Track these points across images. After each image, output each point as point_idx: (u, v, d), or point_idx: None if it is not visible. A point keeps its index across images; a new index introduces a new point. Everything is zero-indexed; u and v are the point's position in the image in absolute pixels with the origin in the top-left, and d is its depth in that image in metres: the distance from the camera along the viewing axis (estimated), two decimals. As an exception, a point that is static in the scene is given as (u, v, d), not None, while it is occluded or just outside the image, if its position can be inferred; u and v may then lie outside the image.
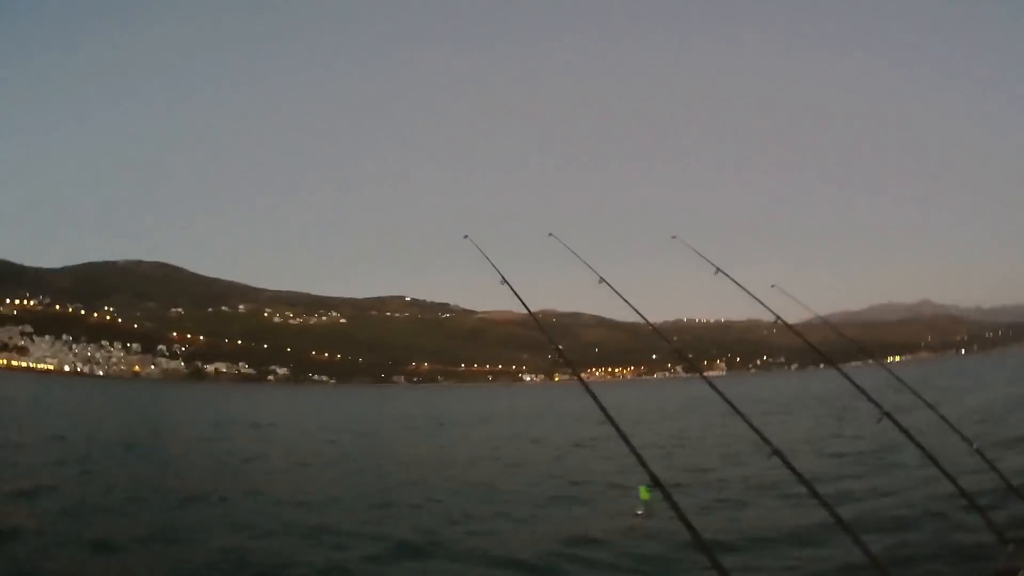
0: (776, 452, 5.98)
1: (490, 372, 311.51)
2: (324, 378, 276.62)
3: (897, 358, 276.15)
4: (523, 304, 7.83)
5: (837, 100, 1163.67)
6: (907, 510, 14.02)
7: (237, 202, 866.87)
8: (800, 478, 5.96)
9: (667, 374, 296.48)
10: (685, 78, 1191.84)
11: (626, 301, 8.17)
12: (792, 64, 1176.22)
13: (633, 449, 5.22)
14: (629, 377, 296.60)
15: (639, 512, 4.63)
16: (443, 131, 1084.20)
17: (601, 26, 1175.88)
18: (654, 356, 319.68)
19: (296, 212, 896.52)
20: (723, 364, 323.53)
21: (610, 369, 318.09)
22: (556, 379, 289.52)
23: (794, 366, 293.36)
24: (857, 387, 8.19)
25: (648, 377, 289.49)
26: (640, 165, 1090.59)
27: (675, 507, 4.65)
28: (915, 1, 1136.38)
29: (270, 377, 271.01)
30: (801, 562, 11.15)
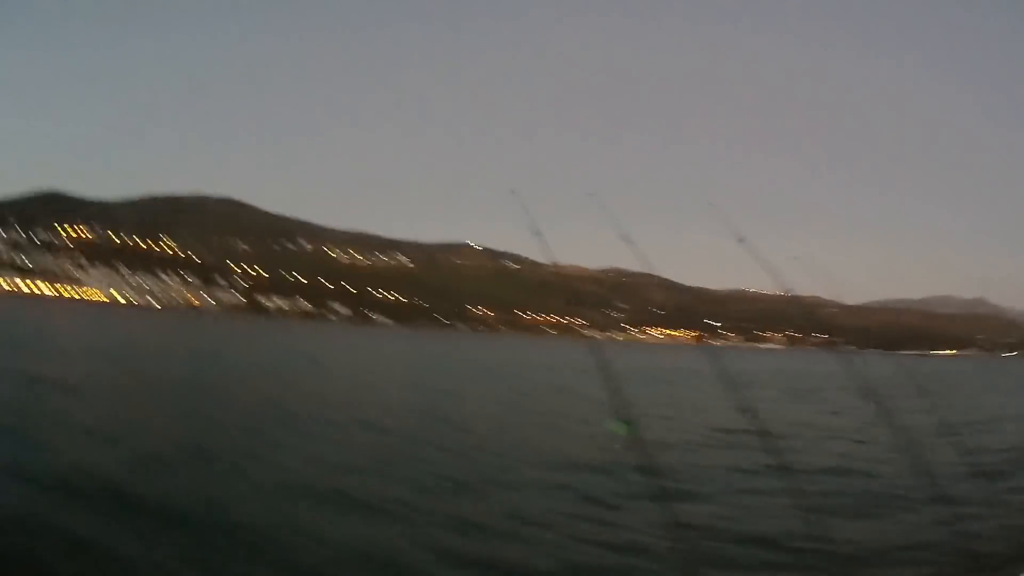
0: (745, 409, 6.68)
1: (552, 325, 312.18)
2: (385, 319, 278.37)
3: (948, 352, 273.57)
4: (549, 253, 8.28)
5: (909, 90, 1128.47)
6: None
7: (307, 138, 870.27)
8: (753, 424, 6.60)
9: (725, 341, 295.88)
10: (741, 51, 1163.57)
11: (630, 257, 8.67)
12: (869, 48, 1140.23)
13: (617, 396, 6.01)
14: (687, 341, 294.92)
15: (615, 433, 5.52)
16: (523, 85, 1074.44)
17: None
18: (717, 323, 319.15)
19: (369, 152, 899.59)
20: (782, 337, 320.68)
21: (670, 332, 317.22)
22: (615, 337, 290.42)
23: (852, 347, 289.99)
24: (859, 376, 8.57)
25: (706, 343, 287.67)
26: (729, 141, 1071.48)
27: (640, 440, 5.55)
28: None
29: (330, 315, 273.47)
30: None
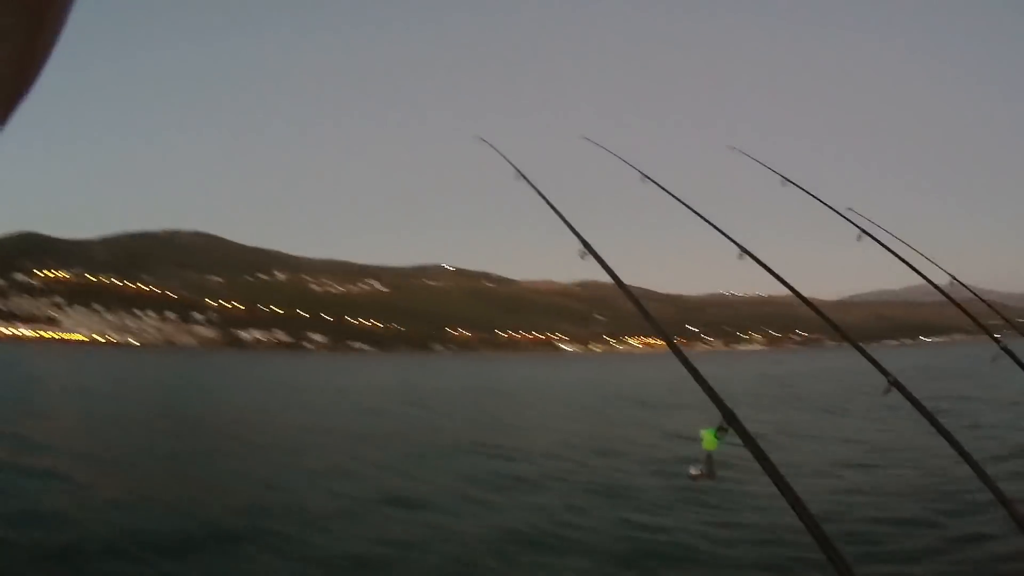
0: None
1: (530, 342, 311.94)
2: (363, 346, 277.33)
3: (932, 339, 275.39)
4: (542, 196, 4.93)
5: (876, 77, 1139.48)
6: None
7: (276, 169, 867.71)
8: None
9: (705, 346, 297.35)
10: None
11: (679, 199, 7.64)
12: (844, 40, 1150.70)
13: (703, 380, 3.17)
14: (665, 349, 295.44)
15: (692, 472, 2.79)
16: (479, 93, 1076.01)
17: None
18: (695, 328, 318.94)
19: (336, 180, 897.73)
20: (762, 338, 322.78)
21: (648, 340, 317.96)
22: (594, 349, 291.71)
23: (832, 343, 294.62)
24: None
25: (687, 349, 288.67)
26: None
27: (762, 458, 2.69)
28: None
29: (308, 345, 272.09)
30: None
